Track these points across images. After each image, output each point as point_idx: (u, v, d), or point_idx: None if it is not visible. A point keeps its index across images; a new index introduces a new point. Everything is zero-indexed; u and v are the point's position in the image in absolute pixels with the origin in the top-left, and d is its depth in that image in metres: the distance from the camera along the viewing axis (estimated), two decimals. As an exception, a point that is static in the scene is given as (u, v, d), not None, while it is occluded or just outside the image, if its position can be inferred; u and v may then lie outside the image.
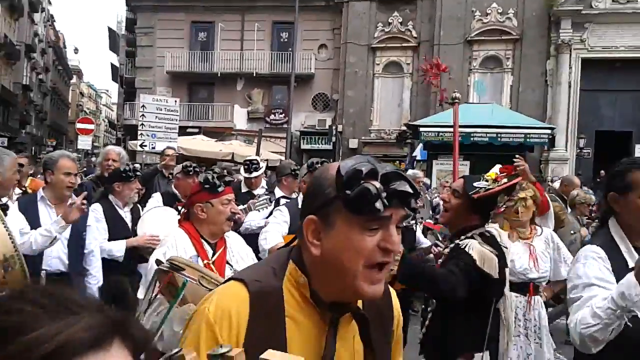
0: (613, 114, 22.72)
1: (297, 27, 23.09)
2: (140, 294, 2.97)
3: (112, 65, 44.81)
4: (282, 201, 5.21)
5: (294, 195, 5.63)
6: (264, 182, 7.01)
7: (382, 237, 1.15)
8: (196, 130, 24.51)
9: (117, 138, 42.51)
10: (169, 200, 5.08)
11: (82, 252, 4.12)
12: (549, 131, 14.53)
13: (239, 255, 3.08)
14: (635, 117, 22.48)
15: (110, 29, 41.10)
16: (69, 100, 70.72)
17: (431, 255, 3.78)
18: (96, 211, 4.51)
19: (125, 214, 4.79)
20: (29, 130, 47.63)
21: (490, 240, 2.81)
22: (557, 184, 10.39)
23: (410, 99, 25.03)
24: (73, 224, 3.78)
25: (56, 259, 3.93)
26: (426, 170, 15.19)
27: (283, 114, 26.17)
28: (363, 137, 25.29)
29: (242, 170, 6.62)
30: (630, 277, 1.95)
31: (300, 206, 3.82)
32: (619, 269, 2.11)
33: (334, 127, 25.81)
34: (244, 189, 6.36)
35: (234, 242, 3.16)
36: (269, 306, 1.20)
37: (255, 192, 6.18)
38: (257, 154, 17.59)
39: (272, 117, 27.25)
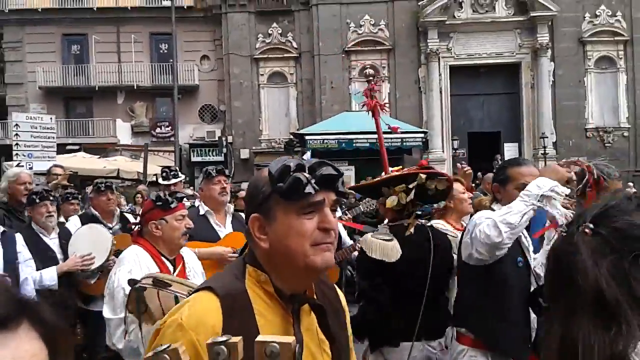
0: (482, 116, 24.60)
1: (176, 38, 22.83)
2: (106, 314, 2.90)
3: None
4: None
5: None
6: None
7: (319, 219, 1.28)
8: (77, 147, 23.48)
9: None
10: (89, 222, 4.77)
11: (17, 282, 3.74)
12: (422, 135, 15.63)
13: (194, 270, 3.12)
14: (502, 118, 24.51)
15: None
16: None
17: (355, 253, 3.94)
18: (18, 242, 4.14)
19: (52, 241, 4.45)
20: None
21: (400, 230, 3.07)
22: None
23: (296, 108, 25.56)
24: (4, 254, 3.60)
25: None
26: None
27: (169, 127, 25.69)
28: (254, 147, 25.46)
29: (159, 179, 6.51)
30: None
31: (200, 213, 4.01)
32: None
33: (223, 139, 25.78)
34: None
35: (189, 257, 3.19)
36: (238, 307, 1.28)
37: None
38: (145, 169, 17.30)
39: (157, 130, 26.66)
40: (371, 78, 4.44)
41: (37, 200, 4.32)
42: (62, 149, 21.94)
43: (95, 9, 25.80)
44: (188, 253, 3.24)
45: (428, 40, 23.39)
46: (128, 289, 2.64)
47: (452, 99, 23.93)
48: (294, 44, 25.13)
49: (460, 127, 24.08)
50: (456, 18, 23.48)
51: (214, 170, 4.12)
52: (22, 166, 12.02)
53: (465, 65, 23.80)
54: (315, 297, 1.40)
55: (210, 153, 25.79)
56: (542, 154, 21.52)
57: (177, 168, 6.68)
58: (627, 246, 1.16)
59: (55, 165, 7.16)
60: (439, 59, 23.48)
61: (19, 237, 3.99)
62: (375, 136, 14.85)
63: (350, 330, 1.53)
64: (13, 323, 0.71)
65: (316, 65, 24.36)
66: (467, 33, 23.55)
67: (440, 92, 23.63)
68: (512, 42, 23.58)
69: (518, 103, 23.90)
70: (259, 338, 1.11)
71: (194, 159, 25.78)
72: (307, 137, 15.34)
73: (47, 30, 25.79)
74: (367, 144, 14.53)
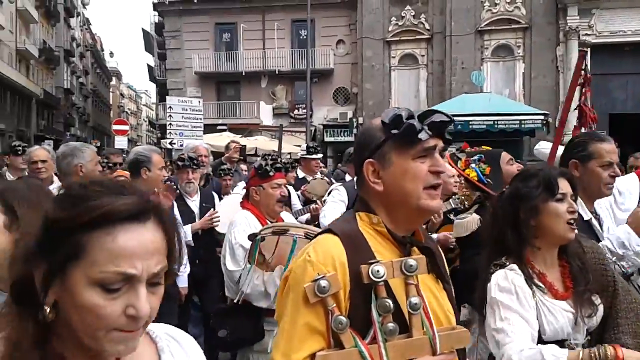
0: (625, 96, 23.07)
1: (315, 24, 24.24)
2: (230, 266, 3.25)
3: (149, 66, 46.70)
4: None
5: (318, 176, 6.35)
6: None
7: (431, 163, 1.38)
8: (225, 127, 26.05)
9: (157, 137, 44.55)
10: None
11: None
12: (542, 117, 15.36)
13: None
14: (647, 99, 22.82)
15: (144, 31, 42.90)
16: (109, 101, 73.48)
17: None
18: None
19: (193, 203, 4.96)
20: (73, 132, 49.81)
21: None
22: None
23: (426, 90, 25.88)
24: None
25: None
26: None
27: (306, 109, 27.43)
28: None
29: (301, 154, 7.02)
30: (626, 227, 2.36)
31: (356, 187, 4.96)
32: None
33: (354, 120, 26.92)
34: (300, 175, 6.63)
35: (289, 220, 3.61)
36: (358, 243, 1.36)
37: (309, 178, 6.36)
38: (279, 147, 18.92)
39: (295, 112, 28.52)
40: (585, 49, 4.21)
41: (180, 166, 4.91)
42: (212, 128, 24.63)
43: (243, -1, 28.20)
44: (288, 217, 3.70)
45: (567, 17, 22.41)
46: (247, 244, 3.09)
47: (593, 78, 22.57)
48: (426, 26, 25.39)
49: (601, 107, 22.62)
50: (599, -7, 22.24)
51: None
52: (174, 143, 14.11)
53: (607, 43, 22.42)
54: (424, 242, 1.48)
55: (342, 134, 27.04)
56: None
57: (318, 145, 7.14)
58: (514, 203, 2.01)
59: (232, 141, 8.02)
60: (578, 37, 22.41)
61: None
62: (493, 118, 14.85)
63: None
64: (144, 218, 0.94)
65: (447, 46, 24.45)
66: (611, 9, 22.16)
67: (579, 71, 22.52)
68: (661, 18, 21.81)
69: (667, 83, 22.09)
70: (397, 259, 1.30)
71: (327, 139, 27.22)
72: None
73: (201, 20, 28.70)
74: (484, 126, 14.64)
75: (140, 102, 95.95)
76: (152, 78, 40.10)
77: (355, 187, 4.21)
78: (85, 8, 61.10)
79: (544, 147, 5.79)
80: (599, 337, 1.93)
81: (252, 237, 3.00)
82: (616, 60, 22.59)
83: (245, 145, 17.39)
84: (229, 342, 3.22)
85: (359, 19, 26.34)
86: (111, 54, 78.19)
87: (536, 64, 23.34)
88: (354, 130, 26.82)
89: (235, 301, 3.19)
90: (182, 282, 4.49)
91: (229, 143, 7.86)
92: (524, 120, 14.85)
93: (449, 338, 1.33)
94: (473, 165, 3.64)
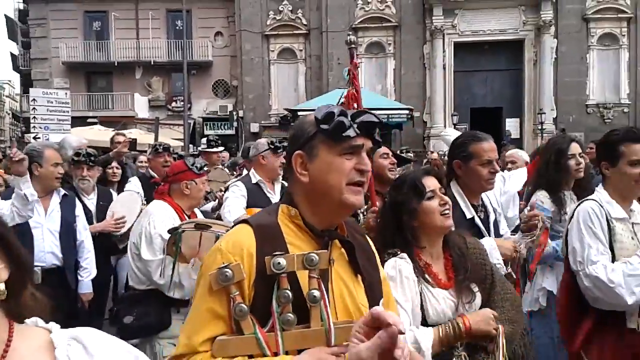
0: (485, 92, 25.07)
1: (191, 15, 23.72)
2: (146, 256, 3.24)
3: (12, 55, 43.19)
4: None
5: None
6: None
7: (357, 161, 1.42)
8: (96, 120, 24.80)
9: (21, 131, 41.39)
10: (147, 182, 5.13)
11: (74, 243, 4.08)
12: (407, 111, 16.34)
13: None
14: (504, 94, 24.94)
15: (7, 17, 39.64)
16: (-35, 91, 66.96)
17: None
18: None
19: (89, 202, 4.69)
20: None
21: None
22: (435, 155, 11.98)
23: (305, 83, 26.37)
24: (62, 216, 3.95)
25: (50, 254, 3.88)
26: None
27: (184, 101, 26.84)
28: (263, 122, 26.39)
29: (201, 147, 6.76)
30: (493, 242, 2.64)
31: (253, 182, 4.56)
32: (458, 219, 2.52)
33: (234, 113, 26.79)
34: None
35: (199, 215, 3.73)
36: (270, 234, 1.41)
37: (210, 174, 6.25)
38: (155, 141, 18.38)
39: (173, 104, 27.80)
40: (353, 46, 3.95)
41: (75, 162, 4.67)
42: (83, 121, 23.35)
43: (114, -14, 26.96)
44: (198, 212, 3.77)
45: (433, 17, 23.88)
46: (166, 235, 3.10)
47: (456, 75, 24.43)
48: (304, 21, 25.84)
49: (463, 102, 24.60)
50: (462, -5, 23.92)
51: (282, 147, 4.34)
52: (39, 138, 13.25)
53: (469, 41, 24.24)
54: (345, 236, 1.51)
55: (222, 127, 26.82)
56: (539, 129, 21.99)
57: (218, 139, 6.85)
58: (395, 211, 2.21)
59: (117, 134, 7.48)
60: (443, 36, 23.97)
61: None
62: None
63: (383, 273, 1.66)
64: None
65: (324, 41, 25.08)
66: (472, 10, 23.96)
67: (444, 68, 24.15)
68: (516, 19, 23.93)
69: (520, 79, 24.29)
70: (300, 253, 1.35)
71: (207, 132, 26.79)
72: (299, 113, 16.22)
73: (69, 7, 27.07)
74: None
75: (2, 93, 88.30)
76: (16, 67, 37.17)
77: (252, 182, 4.39)
78: None
79: (449, 133, 6.10)
80: None
81: (172, 230, 3.06)
82: (477, 57, 24.47)
83: (135, 139, 16.73)
84: (134, 328, 3.21)
85: (237, 12, 26.21)
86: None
87: (406, 61, 24.65)
88: (234, 124, 26.77)
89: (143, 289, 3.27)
90: (85, 287, 4.15)
91: (113, 136, 7.38)
92: (391, 114, 15.69)
93: (347, 331, 1.34)
94: None
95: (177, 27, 27.55)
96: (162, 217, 3.31)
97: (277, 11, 25.89)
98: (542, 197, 3.51)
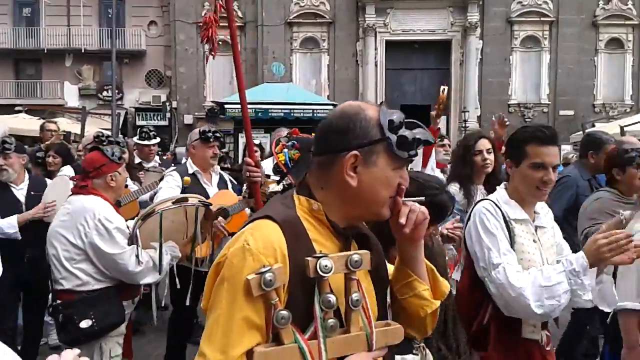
0: (415, 89, 25.81)
1: (125, 3, 23.33)
2: (113, 250, 3.12)
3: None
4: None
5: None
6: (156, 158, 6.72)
7: (401, 175, 1.36)
8: (25, 108, 24.15)
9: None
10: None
11: None
12: (331, 107, 16.72)
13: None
14: (432, 92, 25.57)
15: None
16: None
17: None
18: None
19: (19, 192, 4.37)
20: None
21: None
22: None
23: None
24: None
25: None
26: (234, 143, 16.94)
27: (116, 91, 26.40)
28: (197, 113, 26.30)
29: (135, 139, 6.40)
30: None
31: (190, 172, 4.35)
32: None
33: (167, 104, 26.58)
34: (136, 160, 6.10)
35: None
36: (297, 232, 1.30)
37: (148, 165, 5.93)
38: (82, 130, 18.11)
39: (104, 93, 27.28)
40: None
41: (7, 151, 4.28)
42: (10, 109, 22.70)
43: (45, -29, 26.23)
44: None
45: (366, 15, 24.39)
46: (124, 226, 3.12)
47: (387, 72, 25.04)
48: (239, 13, 25.79)
49: (394, 99, 25.21)
50: (393, -6, 24.52)
51: (212, 136, 4.32)
52: None
53: (400, 40, 24.87)
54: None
55: (155, 117, 26.58)
56: (463, 127, 22.87)
57: (153, 130, 6.50)
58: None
59: (49, 121, 7.33)
60: (375, 34, 24.51)
61: None
62: (290, 107, 15.88)
63: (389, 270, 1.56)
64: None
65: (259, 35, 25.19)
66: (403, 9, 24.59)
67: (376, 65, 24.72)
68: (444, 20, 24.73)
69: (448, 78, 25.09)
70: (341, 253, 1.28)
71: (139, 122, 26.45)
72: (226, 106, 16.34)
73: (-2, -8, 26.18)
74: (282, 114, 15.57)
75: None
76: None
77: (189, 172, 4.28)
78: None
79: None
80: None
81: (146, 216, 3.05)
82: (407, 56, 25.15)
83: (69, 132, 16.32)
84: (95, 331, 3.04)
85: (171, 2, 25.98)
86: None
87: (339, 57, 25.09)
88: (167, 114, 26.56)
89: (107, 286, 3.15)
90: None
91: (43, 124, 7.14)
92: (316, 109, 16.02)
93: (385, 334, 1.34)
94: (285, 150, 3.64)
95: (110, 15, 26.99)
96: (109, 210, 3.19)
97: (212, 2, 25.78)
98: (452, 189, 3.60)
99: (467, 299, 2.49)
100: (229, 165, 8.65)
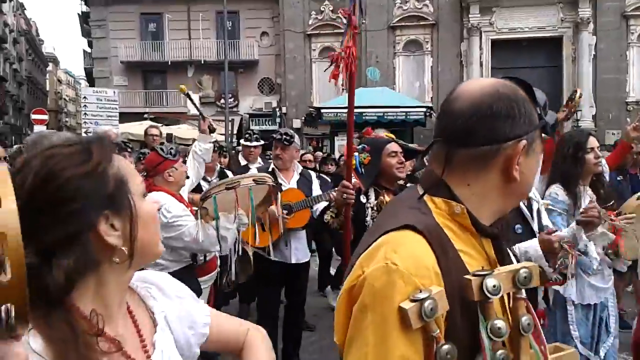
0: (524, 89, 24.97)
1: (239, 16, 24.91)
2: (172, 233, 3.56)
3: (85, 52, 46.07)
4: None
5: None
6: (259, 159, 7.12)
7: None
8: (152, 116, 26.73)
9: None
10: None
11: None
12: (424, 109, 16.92)
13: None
14: (542, 91, 24.38)
15: (80, 16, 42.38)
16: (46, 88, 71.82)
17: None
18: None
19: None
20: (7, 121, 48.84)
21: None
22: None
23: (346, 81, 27.10)
24: None
25: None
26: (330, 145, 17.73)
27: (232, 98, 28.32)
28: (305, 117, 27.46)
29: (242, 141, 6.97)
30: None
31: (269, 169, 4.83)
32: None
33: (277, 109, 28.03)
34: (242, 162, 6.75)
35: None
36: (442, 243, 1.09)
37: (252, 166, 6.36)
38: (199, 136, 19.86)
39: (222, 101, 29.31)
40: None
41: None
42: (140, 117, 25.24)
43: (169, -10, 28.76)
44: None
45: (470, 15, 24.11)
46: (181, 212, 3.57)
47: (493, 72, 24.47)
48: (344, 20, 26.55)
49: (501, 100, 24.65)
50: (499, -7, 24.02)
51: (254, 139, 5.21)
52: (90, 132, 14.96)
53: (507, 39, 24.27)
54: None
55: (266, 122, 28.11)
56: (575, 127, 21.82)
57: (259, 133, 7.04)
58: None
59: (152, 126, 7.89)
60: (480, 33, 24.15)
61: None
62: (383, 110, 16.55)
63: None
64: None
65: (363, 40, 25.78)
66: (509, 7, 23.99)
67: (481, 65, 24.34)
68: (554, 17, 23.75)
69: (559, 76, 24.08)
70: (505, 268, 1.06)
71: (253, 127, 28.20)
72: (322, 111, 17.19)
73: (127, 10, 29.06)
74: (375, 117, 16.05)
75: (79, 88, 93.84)
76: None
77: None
78: (18, -8, 59.40)
79: None
80: None
81: (204, 197, 3.44)
82: (515, 55, 24.48)
83: (171, 134, 18.14)
84: None
85: (281, 13, 27.35)
86: (41, 41, 75.42)
87: (442, 59, 25.00)
88: (277, 119, 27.98)
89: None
90: None
91: (147, 129, 7.79)
92: (409, 112, 16.34)
93: None
94: (356, 153, 3.65)
95: (227, 28, 29.10)
96: (169, 201, 3.60)
97: (319, 11, 26.82)
98: (556, 190, 3.45)
99: None
100: (332, 167, 9.00)
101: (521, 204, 2.91)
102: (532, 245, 2.71)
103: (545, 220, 3.12)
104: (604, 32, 23.14)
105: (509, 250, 1.28)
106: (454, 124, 1.15)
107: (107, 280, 1.03)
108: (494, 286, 1.00)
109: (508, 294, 1.09)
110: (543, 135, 1.21)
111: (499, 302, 1.08)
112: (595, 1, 23.02)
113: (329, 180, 5.58)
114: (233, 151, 12.16)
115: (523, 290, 1.07)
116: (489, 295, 1.00)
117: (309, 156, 9.50)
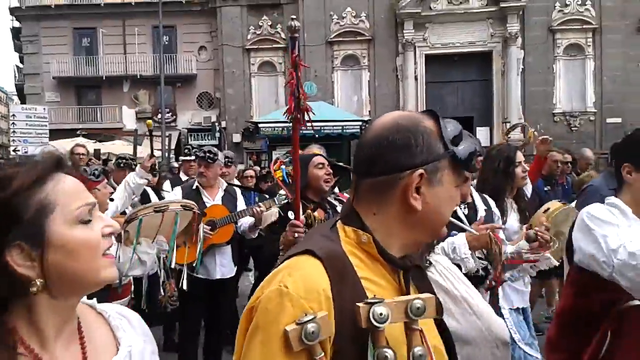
0: (456, 102, 25.84)
1: (176, 31, 24.61)
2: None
3: (17, 68, 44.27)
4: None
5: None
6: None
7: (462, 192, 1.32)
8: (85, 132, 25.96)
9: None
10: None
11: None
12: (360, 123, 17.16)
13: None
14: (474, 104, 25.69)
15: (11, 31, 40.80)
16: (-26, 105, 68.63)
17: None
18: None
19: None
20: None
21: None
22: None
23: (284, 95, 27.27)
24: None
25: None
26: (268, 159, 17.71)
27: (170, 113, 27.90)
28: (244, 132, 27.35)
29: (181, 156, 7.17)
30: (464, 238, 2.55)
31: (193, 187, 4.93)
32: None
33: (217, 124, 27.77)
34: (183, 177, 6.95)
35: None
36: (343, 270, 1.09)
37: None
38: (134, 153, 19.38)
39: (159, 116, 28.81)
40: (296, 35, 3.12)
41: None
42: (73, 133, 24.46)
43: (102, 4, 28.19)
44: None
45: (404, 31, 24.76)
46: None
47: (428, 86, 25.23)
48: (283, 35, 26.80)
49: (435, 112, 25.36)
50: (431, 9, 24.76)
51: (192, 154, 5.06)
52: (19, 150, 14.32)
53: (440, 54, 25.05)
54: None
55: (206, 137, 27.79)
56: (507, 138, 22.68)
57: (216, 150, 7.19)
58: None
59: (77, 145, 7.57)
60: (414, 49, 24.82)
61: None
62: (319, 124, 16.65)
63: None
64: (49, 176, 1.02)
65: (301, 55, 25.96)
66: (442, 24, 24.80)
67: (416, 79, 24.99)
68: (484, 32, 24.73)
69: (490, 89, 25.04)
70: (399, 298, 1.06)
71: (192, 142, 27.83)
72: (260, 125, 17.23)
73: (60, 25, 28.27)
74: (312, 132, 16.15)
75: (11, 105, 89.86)
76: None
77: (193, 188, 4.86)
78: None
79: None
80: None
81: (130, 219, 3.32)
82: (447, 69, 25.28)
83: (99, 150, 17.57)
84: None
85: (219, 27, 27.25)
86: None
87: (379, 73, 25.53)
88: (217, 134, 27.72)
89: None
90: None
91: (73, 147, 7.57)
92: (346, 125, 16.51)
93: None
94: (283, 166, 3.70)
95: (163, 42, 28.70)
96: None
97: (257, 26, 26.89)
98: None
99: (570, 330, 2.15)
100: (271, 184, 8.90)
101: (459, 210, 2.98)
102: (458, 236, 2.76)
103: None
104: (531, 46, 24.25)
105: (430, 282, 1.30)
106: (360, 154, 1.20)
107: (37, 306, 1.01)
108: (381, 314, 1.01)
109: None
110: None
111: (402, 332, 1.08)
112: (523, 16, 24.12)
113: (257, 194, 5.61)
114: (171, 167, 11.99)
115: (418, 321, 1.06)
116: (375, 323, 1.01)
117: (251, 172, 9.46)
